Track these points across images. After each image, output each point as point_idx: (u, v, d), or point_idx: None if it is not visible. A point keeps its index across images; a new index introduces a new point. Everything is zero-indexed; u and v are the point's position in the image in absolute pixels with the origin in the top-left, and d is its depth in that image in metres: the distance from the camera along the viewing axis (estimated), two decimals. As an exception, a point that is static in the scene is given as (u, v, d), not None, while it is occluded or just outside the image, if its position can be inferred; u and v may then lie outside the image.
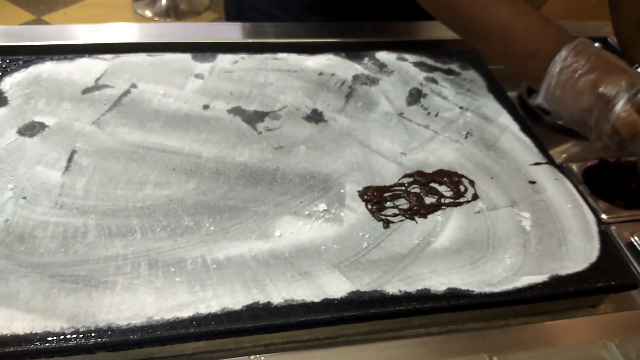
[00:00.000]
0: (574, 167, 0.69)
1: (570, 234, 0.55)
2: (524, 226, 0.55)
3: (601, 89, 0.56)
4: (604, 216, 0.64)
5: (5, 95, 0.63)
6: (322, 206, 0.55)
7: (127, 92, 0.65)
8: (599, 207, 0.65)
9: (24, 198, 0.52)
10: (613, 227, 0.63)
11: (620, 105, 0.56)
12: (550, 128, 0.79)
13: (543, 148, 0.65)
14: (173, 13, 2.59)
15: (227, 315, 0.45)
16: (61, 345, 0.42)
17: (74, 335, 0.43)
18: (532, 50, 0.61)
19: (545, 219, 0.56)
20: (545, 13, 0.64)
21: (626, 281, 0.52)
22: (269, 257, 0.50)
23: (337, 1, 0.70)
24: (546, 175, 0.62)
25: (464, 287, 0.49)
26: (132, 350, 0.45)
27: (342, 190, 0.57)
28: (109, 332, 0.43)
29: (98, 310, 0.44)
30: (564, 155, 0.75)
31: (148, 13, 2.56)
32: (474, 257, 0.52)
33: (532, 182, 0.61)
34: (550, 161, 0.64)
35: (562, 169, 0.70)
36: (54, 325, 0.43)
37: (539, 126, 0.79)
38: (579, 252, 0.54)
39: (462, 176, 0.60)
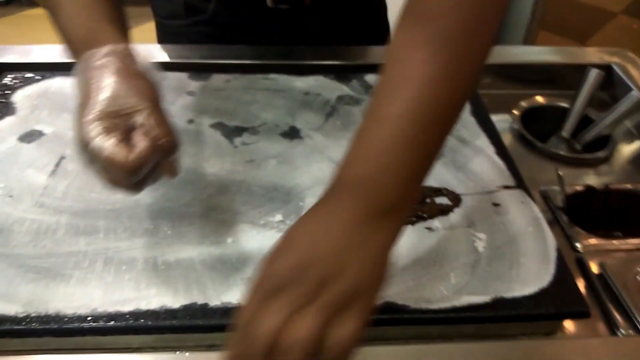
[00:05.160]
0: (555, 191, 0.68)
1: (525, 257, 0.55)
2: (477, 247, 0.55)
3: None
4: (578, 244, 0.63)
5: (15, 106, 0.70)
6: (279, 217, 0.57)
7: (122, 106, 0.71)
8: (575, 234, 0.63)
9: (11, 196, 0.58)
10: (588, 256, 0.62)
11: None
12: (546, 156, 0.78)
13: (516, 172, 0.65)
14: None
15: (164, 313, 0.48)
16: (13, 327, 0.47)
17: (27, 320, 0.47)
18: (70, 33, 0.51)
19: (501, 241, 0.56)
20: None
21: (576, 308, 0.51)
22: (216, 262, 0.53)
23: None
24: (513, 199, 0.61)
25: (400, 302, 0.50)
26: (81, 339, 0.49)
27: (300, 203, 0.59)
28: (56, 319, 0.47)
29: (51, 299, 0.49)
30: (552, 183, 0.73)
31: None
32: (417, 273, 0.52)
33: (496, 205, 0.60)
34: (520, 185, 0.63)
35: (543, 193, 0.69)
36: (10, 309, 0.48)
37: (534, 154, 0.78)
38: (531, 275, 0.53)
39: (432, 194, 0.61)
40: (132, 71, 0.48)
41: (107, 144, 0.43)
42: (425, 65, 0.40)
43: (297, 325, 0.34)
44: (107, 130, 0.43)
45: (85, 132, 0.44)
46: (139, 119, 0.45)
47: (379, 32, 0.90)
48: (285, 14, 0.78)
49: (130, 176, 0.44)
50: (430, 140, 0.41)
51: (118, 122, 0.44)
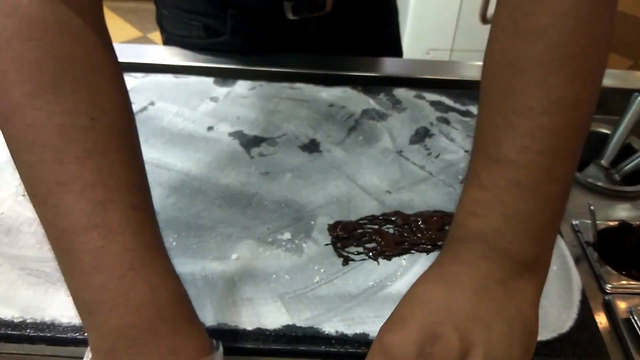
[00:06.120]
0: (587, 225, 0.64)
1: (546, 299, 0.51)
2: (494, 283, 0.52)
3: None
4: (607, 285, 0.58)
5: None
6: (287, 235, 0.55)
7: (144, 109, 0.71)
8: (604, 274, 0.59)
9: (24, 195, 0.58)
10: (618, 298, 0.57)
11: None
12: (581, 185, 0.73)
13: (545, 202, 0.60)
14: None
15: (159, 329, 0.47)
16: (7, 332, 0.46)
17: (22, 326, 0.47)
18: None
19: (521, 279, 0.52)
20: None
21: (596, 359, 0.47)
22: (217, 278, 0.51)
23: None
24: (539, 232, 0.57)
25: (405, 338, 0.47)
26: (74, 348, 0.48)
27: (312, 222, 0.57)
28: (51, 327, 0.47)
29: (49, 305, 0.48)
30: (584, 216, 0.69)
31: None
32: (427, 307, 0.49)
33: (520, 238, 0.56)
34: (548, 217, 0.59)
35: (574, 227, 0.65)
36: (7, 313, 0.47)
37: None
38: (550, 319, 0.49)
39: (444, 221, 0.58)
40: None
41: None
42: (543, 90, 0.35)
43: None
44: None
45: None
46: None
47: (392, 42, 0.89)
48: (304, 26, 0.76)
49: None
50: (558, 179, 0.35)
51: None
